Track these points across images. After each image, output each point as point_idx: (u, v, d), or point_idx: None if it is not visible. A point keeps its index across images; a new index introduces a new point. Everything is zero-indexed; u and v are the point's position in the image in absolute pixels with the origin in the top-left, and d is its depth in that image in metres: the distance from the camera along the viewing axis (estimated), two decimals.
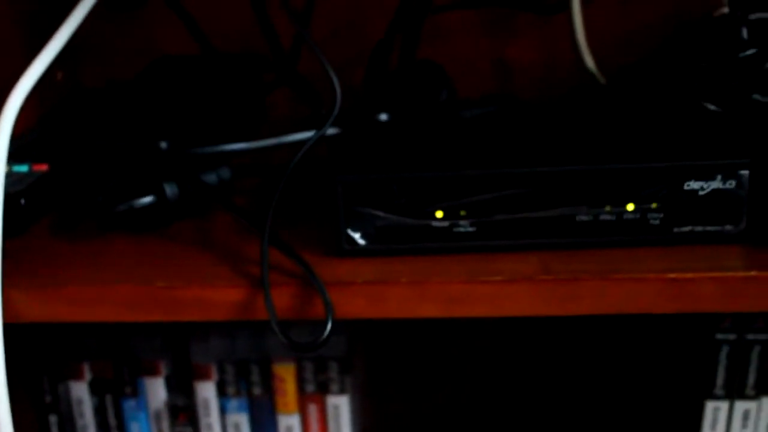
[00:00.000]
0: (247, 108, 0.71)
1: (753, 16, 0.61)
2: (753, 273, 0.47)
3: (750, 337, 0.64)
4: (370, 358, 0.84)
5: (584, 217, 0.50)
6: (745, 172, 0.49)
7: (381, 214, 0.50)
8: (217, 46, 0.74)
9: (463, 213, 0.50)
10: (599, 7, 0.70)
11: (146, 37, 0.79)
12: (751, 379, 0.65)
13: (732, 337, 0.64)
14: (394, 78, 0.68)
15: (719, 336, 0.64)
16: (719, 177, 0.50)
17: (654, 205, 0.50)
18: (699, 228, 0.50)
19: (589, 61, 0.69)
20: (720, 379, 0.65)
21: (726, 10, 0.64)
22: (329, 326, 0.47)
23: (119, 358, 0.74)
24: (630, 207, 0.50)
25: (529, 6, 0.73)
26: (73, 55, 0.78)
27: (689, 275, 0.48)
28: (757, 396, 0.66)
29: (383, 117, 0.61)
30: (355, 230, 0.51)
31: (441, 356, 0.87)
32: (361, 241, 0.51)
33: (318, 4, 0.72)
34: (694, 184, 0.50)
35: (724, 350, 0.64)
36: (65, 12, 0.56)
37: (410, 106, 0.63)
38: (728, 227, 0.50)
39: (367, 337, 0.83)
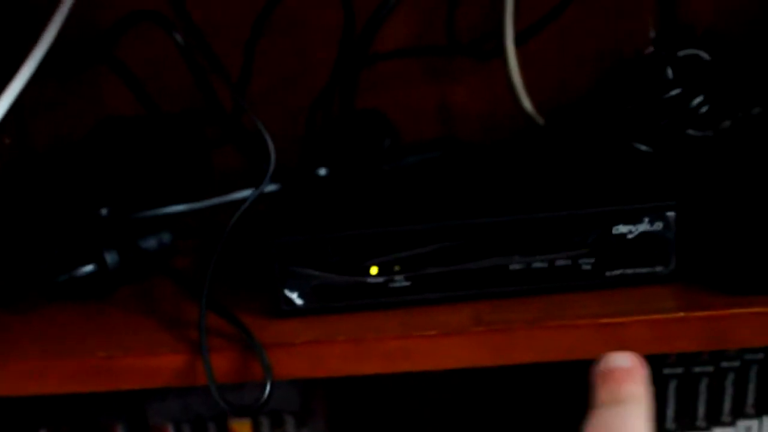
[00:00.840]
0: (193, 166, 0.71)
1: (682, 53, 0.62)
2: (681, 314, 0.48)
3: (697, 370, 0.65)
4: (330, 406, 0.84)
5: (517, 266, 0.51)
6: (671, 214, 0.50)
7: (316, 273, 0.51)
8: (162, 104, 0.75)
9: (397, 268, 0.51)
10: (534, 50, 0.71)
11: (94, 97, 0.79)
12: (701, 410, 0.66)
13: (679, 371, 0.65)
14: (335, 129, 0.69)
15: (666, 371, 0.65)
16: (646, 220, 0.51)
17: (585, 251, 0.51)
18: (630, 271, 0.51)
19: (527, 103, 0.70)
20: (670, 412, 0.66)
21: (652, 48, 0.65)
22: (268, 389, 0.48)
23: (75, 422, 0.74)
24: (561, 254, 0.51)
25: (465, 51, 0.74)
26: (20, 118, 0.78)
27: (621, 319, 0.49)
28: (707, 427, 0.66)
29: (322, 172, 0.62)
30: (292, 290, 0.51)
31: (401, 402, 0.87)
32: (299, 301, 0.51)
33: (261, 54, 0.73)
34: (622, 228, 0.51)
35: (672, 384, 0.65)
36: (8, 76, 0.57)
37: (350, 159, 0.64)
38: (658, 268, 0.51)
39: (326, 385, 0.83)
